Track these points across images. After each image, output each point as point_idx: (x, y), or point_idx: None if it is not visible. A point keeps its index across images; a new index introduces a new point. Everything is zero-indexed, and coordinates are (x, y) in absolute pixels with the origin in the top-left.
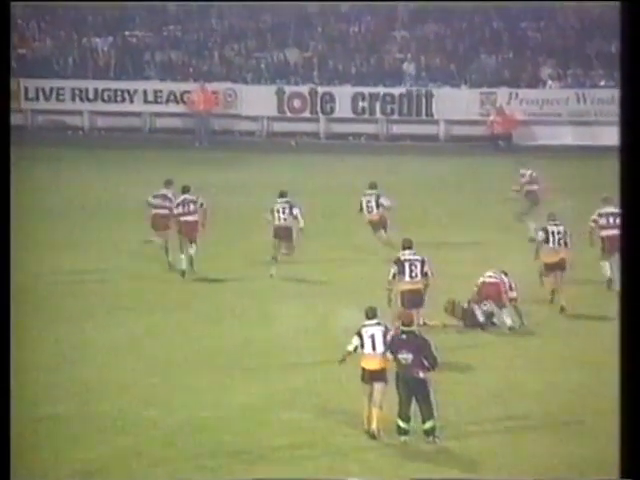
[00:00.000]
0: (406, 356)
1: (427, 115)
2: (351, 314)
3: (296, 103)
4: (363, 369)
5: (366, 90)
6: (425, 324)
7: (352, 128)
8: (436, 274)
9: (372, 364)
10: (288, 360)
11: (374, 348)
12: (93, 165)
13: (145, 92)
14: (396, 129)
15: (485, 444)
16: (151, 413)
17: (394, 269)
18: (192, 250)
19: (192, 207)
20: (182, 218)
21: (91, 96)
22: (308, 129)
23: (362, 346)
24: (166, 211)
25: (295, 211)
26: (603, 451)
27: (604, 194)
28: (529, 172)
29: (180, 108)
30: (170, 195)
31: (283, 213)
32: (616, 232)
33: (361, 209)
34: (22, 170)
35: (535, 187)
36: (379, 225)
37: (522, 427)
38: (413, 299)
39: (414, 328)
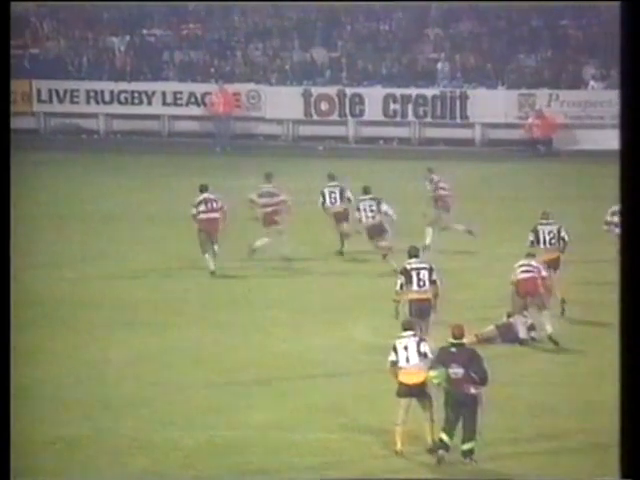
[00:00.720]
0: (456, 370)
1: (462, 118)
2: (380, 327)
3: (323, 105)
4: (400, 383)
5: (397, 91)
6: (476, 336)
7: (383, 132)
8: (445, 282)
9: (409, 378)
10: (314, 376)
11: (408, 360)
12: (108, 170)
13: (164, 94)
14: (429, 133)
15: (522, 466)
16: (170, 433)
17: (401, 279)
18: (216, 247)
19: (214, 205)
20: (204, 216)
21: (107, 98)
22: (336, 133)
23: (398, 360)
24: (274, 208)
25: (384, 207)
26: None
27: None
28: (436, 178)
29: (201, 111)
30: (276, 190)
31: (371, 211)
32: None
33: (324, 202)
34: (35, 176)
35: (444, 193)
36: (342, 218)
37: (559, 448)
38: (421, 309)
39: (464, 340)
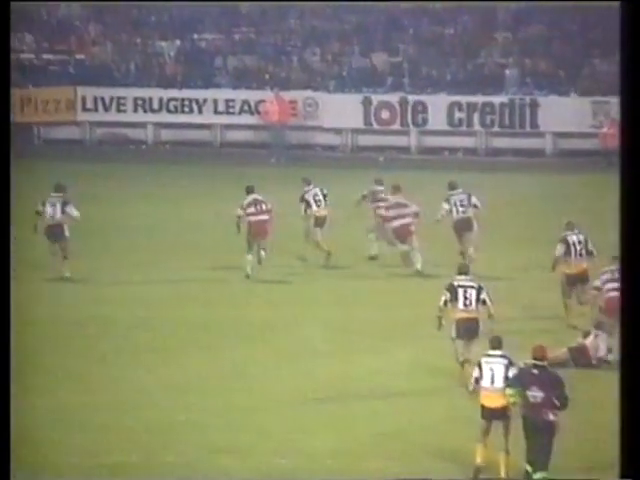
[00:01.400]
0: (536, 394)
1: (532, 127)
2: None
3: (384, 114)
4: (482, 406)
5: (463, 99)
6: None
7: (447, 142)
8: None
9: (492, 401)
10: (371, 401)
11: (493, 382)
12: (157, 182)
13: (215, 102)
14: (497, 143)
15: None
16: (223, 461)
17: (446, 295)
18: (262, 253)
19: (263, 207)
20: (253, 218)
21: (155, 106)
22: (398, 143)
23: (481, 378)
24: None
25: (473, 200)
26: None
27: None
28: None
29: (254, 120)
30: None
31: (462, 206)
32: None
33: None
34: (80, 187)
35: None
36: (323, 222)
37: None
38: (469, 329)
39: (546, 363)
